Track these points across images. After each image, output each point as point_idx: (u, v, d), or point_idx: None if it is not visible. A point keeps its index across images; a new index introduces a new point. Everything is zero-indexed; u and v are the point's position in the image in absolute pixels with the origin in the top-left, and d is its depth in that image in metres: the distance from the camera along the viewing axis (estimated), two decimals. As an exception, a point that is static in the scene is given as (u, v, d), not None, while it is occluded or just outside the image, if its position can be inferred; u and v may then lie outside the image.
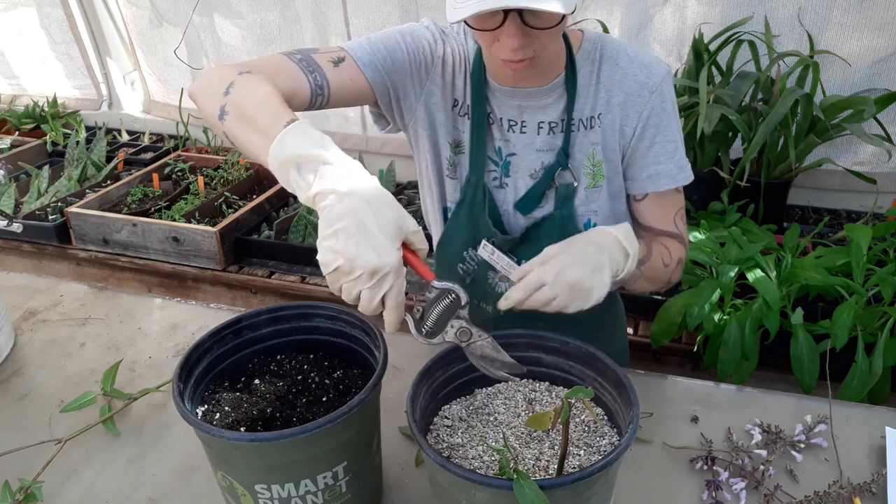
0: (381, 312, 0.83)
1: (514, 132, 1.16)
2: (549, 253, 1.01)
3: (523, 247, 1.19)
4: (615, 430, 0.91)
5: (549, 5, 0.89)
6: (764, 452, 1.06)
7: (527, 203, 1.18)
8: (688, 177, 1.18)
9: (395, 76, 1.12)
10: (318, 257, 0.79)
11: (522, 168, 1.17)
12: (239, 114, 0.90)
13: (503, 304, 1.02)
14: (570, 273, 0.98)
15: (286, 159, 0.81)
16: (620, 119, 1.13)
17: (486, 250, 1.16)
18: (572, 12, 0.98)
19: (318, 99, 1.04)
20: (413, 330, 0.88)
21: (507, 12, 0.94)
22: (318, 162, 0.80)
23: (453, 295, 0.87)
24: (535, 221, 1.19)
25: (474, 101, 1.14)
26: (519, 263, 1.19)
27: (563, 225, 1.17)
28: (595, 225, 1.20)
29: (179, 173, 2.94)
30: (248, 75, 0.94)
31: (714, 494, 1.00)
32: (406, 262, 0.83)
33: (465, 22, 0.96)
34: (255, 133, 0.87)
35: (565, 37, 1.10)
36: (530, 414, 0.93)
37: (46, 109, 3.48)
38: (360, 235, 0.77)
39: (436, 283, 0.87)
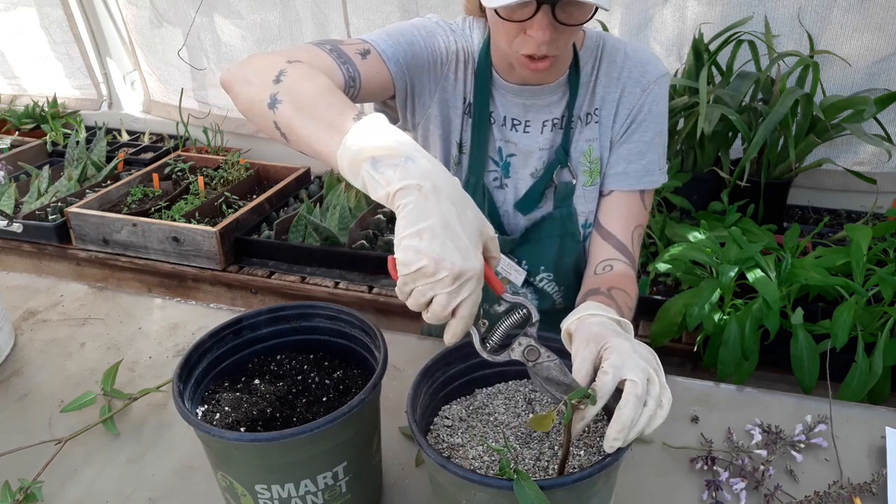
0: (447, 322, 0.75)
1: (517, 131, 1.15)
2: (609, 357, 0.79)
3: (524, 247, 1.19)
4: (615, 430, 0.90)
5: None
6: (764, 452, 1.06)
7: (527, 203, 1.18)
8: (653, 181, 1.16)
9: (414, 71, 1.09)
10: (397, 256, 0.72)
11: (524, 168, 1.17)
12: (296, 103, 0.84)
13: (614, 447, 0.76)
14: (637, 365, 0.77)
15: (361, 151, 0.74)
16: (613, 115, 1.14)
17: None
18: (588, 18, 0.96)
19: (351, 91, 0.99)
20: (477, 344, 0.80)
21: (539, 4, 0.93)
22: (400, 156, 0.73)
23: (524, 310, 0.79)
24: (535, 221, 1.19)
25: (478, 99, 1.13)
26: (520, 264, 1.19)
27: (563, 224, 1.17)
28: (590, 225, 1.19)
29: (179, 173, 2.94)
30: (299, 64, 0.88)
31: (714, 494, 1.00)
32: None
33: (496, 12, 0.95)
34: (316, 123, 0.81)
35: None
36: (530, 414, 0.93)
37: (46, 109, 3.48)
38: (445, 236, 0.70)
39: (507, 297, 0.79)
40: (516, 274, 1.19)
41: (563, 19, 0.94)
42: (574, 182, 1.16)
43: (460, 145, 1.18)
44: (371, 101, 1.08)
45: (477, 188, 1.17)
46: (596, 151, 1.15)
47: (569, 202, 1.16)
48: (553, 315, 1.25)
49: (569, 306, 1.24)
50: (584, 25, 1.04)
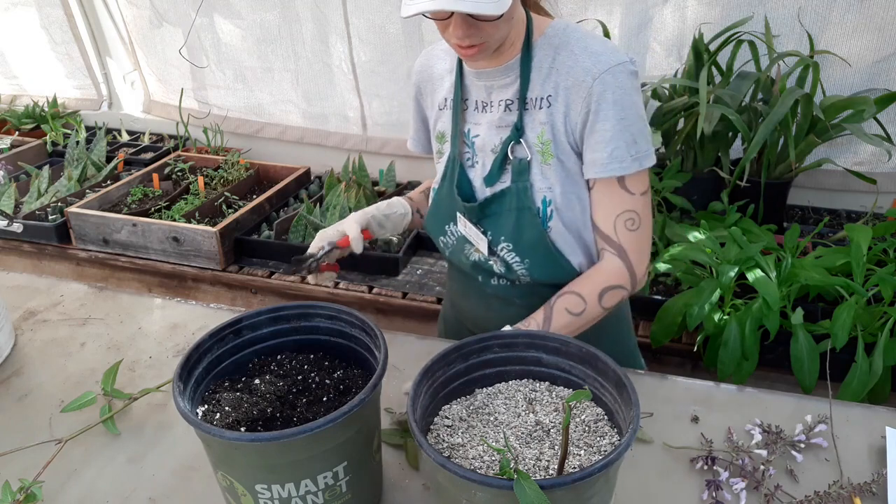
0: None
1: (481, 112, 1.28)
2: None
3: (487, 219, 1.28)
4: (615, 430, 0.91)
5: (481, 8, 1.01)
6: (764, 452, 1.06)
7: (491, 177, 1.27)
8: (624, 167, 1.16)
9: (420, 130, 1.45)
10: None
11: (486, 145, 1.28)
12: None
13: None
14: None
15: None
16: (566, 103, 1.18)
17: (461, 223, 1.31)
18: (499, 16, 1.05)
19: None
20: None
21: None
22: None
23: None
24: (495, 194, 1.27)
25: (455, 88, 1.29)
26: (485, 234, 1.28)
27: (519, 197, 1.23)
28: (551, 202, 1.22)
29: (179, 173, 2.94)
30: None
31: (714, 494, 1.00)
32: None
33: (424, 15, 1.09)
34: None
35: (529, 22, 1.20)
36: (531, 414, 0.93)
37: (46, 109, 3.48)
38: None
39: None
40: (479, 241, 1.29)
41: (477, 17, 1.06)
42: (529, 157, 1.22)
43: (440, 136, 1.36)
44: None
45: (455, 167, 1.30)
46: (548, 134, 1.21)
47: (525, 177, 1.23)
48: (519, 287, 1.31)
49: (535, 281, 1.29)
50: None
